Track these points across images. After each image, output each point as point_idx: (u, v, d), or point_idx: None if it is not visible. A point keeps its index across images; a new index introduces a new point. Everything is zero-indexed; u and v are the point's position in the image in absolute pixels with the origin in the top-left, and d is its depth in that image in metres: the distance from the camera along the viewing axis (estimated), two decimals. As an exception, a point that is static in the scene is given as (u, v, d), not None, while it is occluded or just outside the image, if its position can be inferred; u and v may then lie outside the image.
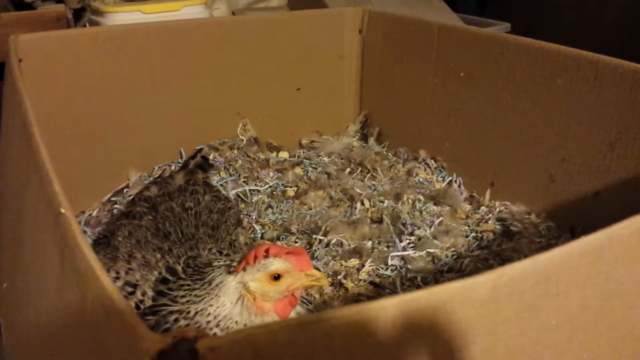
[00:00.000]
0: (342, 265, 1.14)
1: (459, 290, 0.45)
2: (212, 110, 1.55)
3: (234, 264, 0.74)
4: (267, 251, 0.72)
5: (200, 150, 1.29)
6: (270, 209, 1.40)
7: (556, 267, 0.48)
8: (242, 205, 1.41)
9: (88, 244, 0.48)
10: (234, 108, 1.59)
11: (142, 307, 0.77)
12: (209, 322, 0.72)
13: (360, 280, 1.10)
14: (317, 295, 1.05)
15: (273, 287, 0.72)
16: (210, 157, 1.54)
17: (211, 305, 0.72)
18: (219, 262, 0.75)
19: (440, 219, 1.28)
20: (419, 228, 1.22)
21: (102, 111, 1.40)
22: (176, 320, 0.72)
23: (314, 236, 1.24)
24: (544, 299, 0.48)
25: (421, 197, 1.39)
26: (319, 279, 0.75)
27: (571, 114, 1.23)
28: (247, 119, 1.62)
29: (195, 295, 0.73)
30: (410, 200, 1.38)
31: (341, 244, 1.20)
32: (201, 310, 0.72)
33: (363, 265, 1.13)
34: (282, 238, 1.28)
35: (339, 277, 1.10)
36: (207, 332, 0.46)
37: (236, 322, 0.72)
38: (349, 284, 1.08)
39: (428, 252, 1.14)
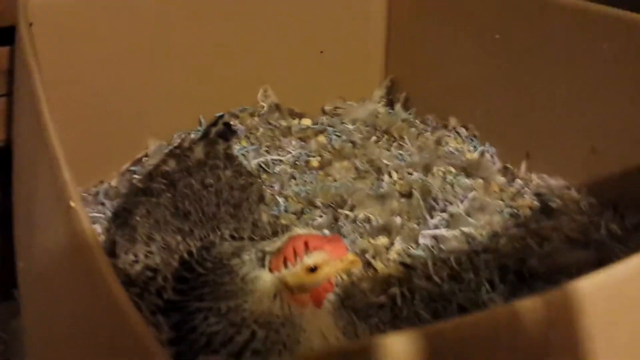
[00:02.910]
0: (370, 243, 1.08)
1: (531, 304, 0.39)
2: (232, 76, 1.47)
3: (267, 255, 0.69)
4: (306, 245, 0.67)
5: (221, 117, 1.22)
6: (293, 180, 1.35)
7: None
8: (265, 176, 1.36)
9: (99, 244, 0.43)
10: (255, 73, 1.51)
11: (164, 295, 0.72)
12: (244, 318, 0.67)
13: (390, 260, 1.04)
14: (345, 277, 1.00)
15: (310, 279, 0.68)
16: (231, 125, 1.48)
17: (246, 302, 0.68)
18: (249, 254, 0.70)
19: (474, 193, 1.21)
20: (451, 204, 1.16)
21: (119, 77, 1.34)
22: (205, 317, 0.67)
23: (340, 210, 1.18)
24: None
25: (452, 169, 1.32)
26: (353, 262, 0.71)
27: (617, 82, 1.14)
28: (267, 84, 1.54)
29: (224, 291, 0.68)
30: (440, 173, 1.31)
31: (369, 220, 1.14)
32: (235, 307, 0.67)
33: (392, 244, 1.07)
34: (307, 212, 1.23)
35: (367, 256, 1.04)
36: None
37: (277, 316, 0.68)
38: (378, 264, 1.02)
39: (462, 230, 1.07)
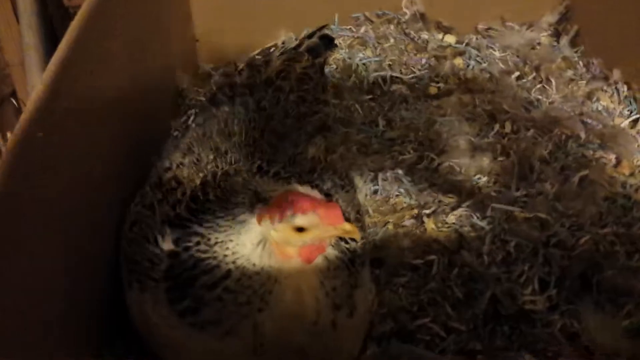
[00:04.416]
0: (434, 198, 1.01)
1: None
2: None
3: (259, 202, 0.68)
4: (292, 204, 0.66)
5: (323, 27, 1.13)
6: (404, 104, 1.27)
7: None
8: (378, 93, 1.30)
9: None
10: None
11: (177, 208, 0.76)
12: (226, 255, 0.69)
13: (447, 223, 0.97)
14: (391, 227, 0.96)
15: (297, 237, 0.67)
16: (362, 30, 1.41)
17: (231, 241, 0.69)
18: (244, 196, 0.70)
19: (585, 172, 1.03)
20: (545, 181, 1.01)
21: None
22: (198, 243, 0.71)
23: (427, 153, 1.11)
24: None
25: (582, 135, 1.14)
26: (348, 232, 0.68)
27: None
28: (416, -10, 1.42)
29: (218, 224, 0.70)
30: (563, 137, 1.13)
31: (450, 172, 1.06)
32: (221, 241, 0.70)
33: (459, 206, 0.99)
34: (398, 143, 1.16)
35: (425, 212, 0.98)
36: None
37: (254, 264, 0.68)
38: (430, 224, 0.96)
39: (537, 216, 0.94)
